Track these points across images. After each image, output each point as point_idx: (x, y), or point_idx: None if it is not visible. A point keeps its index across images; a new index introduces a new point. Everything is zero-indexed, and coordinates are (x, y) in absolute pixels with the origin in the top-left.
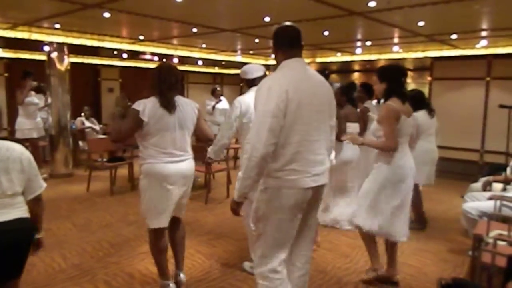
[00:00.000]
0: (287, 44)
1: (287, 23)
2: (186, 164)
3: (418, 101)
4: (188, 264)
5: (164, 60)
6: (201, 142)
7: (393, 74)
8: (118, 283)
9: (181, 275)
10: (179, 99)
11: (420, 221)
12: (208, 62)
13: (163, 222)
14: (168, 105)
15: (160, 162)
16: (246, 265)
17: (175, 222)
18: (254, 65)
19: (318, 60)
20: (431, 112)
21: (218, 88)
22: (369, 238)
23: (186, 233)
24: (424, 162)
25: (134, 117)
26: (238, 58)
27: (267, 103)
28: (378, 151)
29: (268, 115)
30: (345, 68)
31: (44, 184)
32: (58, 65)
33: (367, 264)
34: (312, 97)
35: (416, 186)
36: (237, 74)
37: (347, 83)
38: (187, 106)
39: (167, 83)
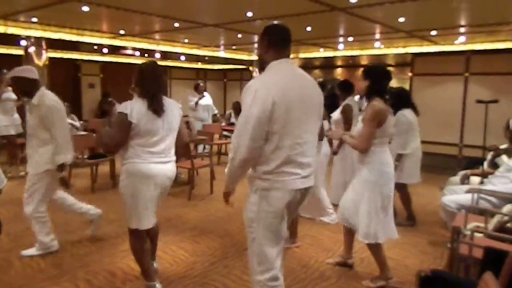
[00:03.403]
0: (279, 43)
1: (276, 22)
2: (171, 166)
3: (405, 99)
4: (170, 260)
5: (146, 55)
6: (176, 147)
7: (378, 74)
8: (99, 281)
9: (154, 264)
10: (165, 100)
11: (411, 218)
12: (191, 58)
13: (148, 223)
14: (158, 108)
15: (145, 162)
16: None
17: None
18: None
19: (302, 55)
20: (416, 110)
21: (201, 84)
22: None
23: (169, 229)
24: (417, 162)
25: (124, 121)
26: (221, 53)
27: (252, 107)
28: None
29: (252, 120)
30: (328, 64)
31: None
32: (36, 60)
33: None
34: (301, 99)
35: (404, 186)
36: (221, 70)
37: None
38: (173, 107)
39: (160, 83)
